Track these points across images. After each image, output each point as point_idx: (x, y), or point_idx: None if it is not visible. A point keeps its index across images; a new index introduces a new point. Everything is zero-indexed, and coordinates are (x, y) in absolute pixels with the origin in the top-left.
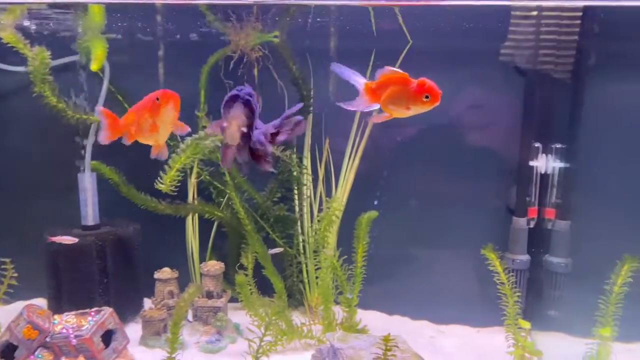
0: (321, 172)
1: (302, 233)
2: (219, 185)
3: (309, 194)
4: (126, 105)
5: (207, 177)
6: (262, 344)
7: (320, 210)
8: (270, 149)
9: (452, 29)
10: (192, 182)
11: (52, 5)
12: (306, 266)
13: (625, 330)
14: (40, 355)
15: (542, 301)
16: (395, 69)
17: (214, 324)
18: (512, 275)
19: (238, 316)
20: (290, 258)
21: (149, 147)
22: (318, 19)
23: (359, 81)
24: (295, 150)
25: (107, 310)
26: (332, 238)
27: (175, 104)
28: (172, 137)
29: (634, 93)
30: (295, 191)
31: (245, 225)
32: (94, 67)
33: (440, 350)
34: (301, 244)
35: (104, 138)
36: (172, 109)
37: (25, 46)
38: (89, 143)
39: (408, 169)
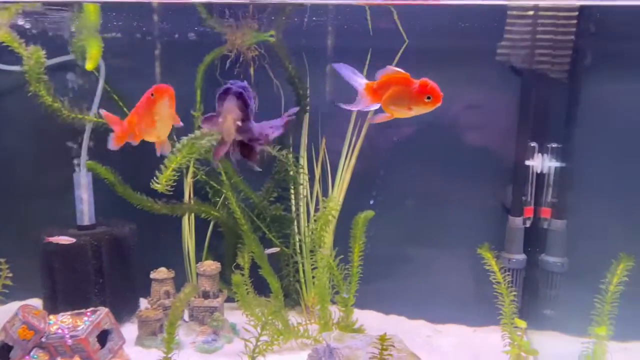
0: (317, 172)
1: (299, 233)
2: (215, 185)
3: (305, 194)
4: (121, 104)
5: (203, 176)
6: (259, 343)
7: (316, 210)
8: (263, 146)
9: (448, 28)
10: (188, 181)
11: (47, 4)
12: (303, 266)
13: (621, 329)
14: (35, 356)
15: (538, 300)
16: (397, 68)
17: (210, 323)
18: (508, 275)
19: (234, 316)
20: (287, 258)
21: (144, 146)
22: (314, 18)
23: (360, 81)
24: (291, 149)
25: (103, 311)
26: (328, 238)
27: (170, 97)
28: (168, 136)
29: (630, 92)
30: (292, 191)
31: (242, 225)
32: (89, 66)
33: (436, 349)
34: (298, 244)
35: (114, 144)
36: (168, 102)
37: (20, 45)
38: (84, 142)
39: (404, 168)
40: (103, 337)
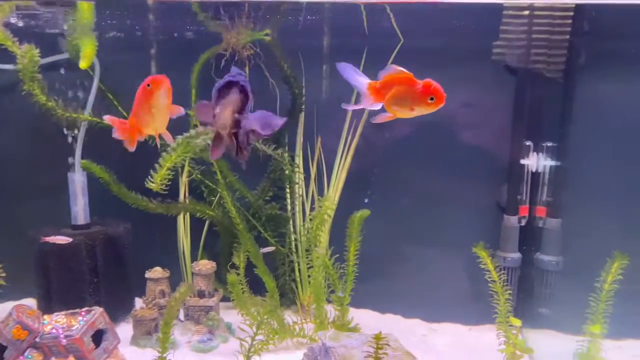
0: (313, 171)
1: (294, 232)
2: (210, 184)
3: (301, 193)
4: (116, 103)
5: (199, 175)
6: (254, 343)
7: (312, 209)
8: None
9: (443, 27)
10: (183, 180)
11: (41, 2)
12: (298, 265)
13: (615, 327)
14: (29, 356)
15: (533, 299)
16: (400, 68)
17: (206, 323)
18: (504, 273)
19: (230, 315)
20: (282, 257)
21: (139, 145)
22: (309, 17)
23: (363, 81)
24: (287, 148)
25: (98, 310)
26: (324, 237)
27: (166, 87)
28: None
29: (625, 91)
30: (287, 190)
31: (237, 224)
32: (83, 64)
33: (432, 348)
34: (293, 243)
35: (130, 146)
36: (164, 92)
37: (14, 44)
38: (79, 142)
39: (400, 167)
40: (98, 337)
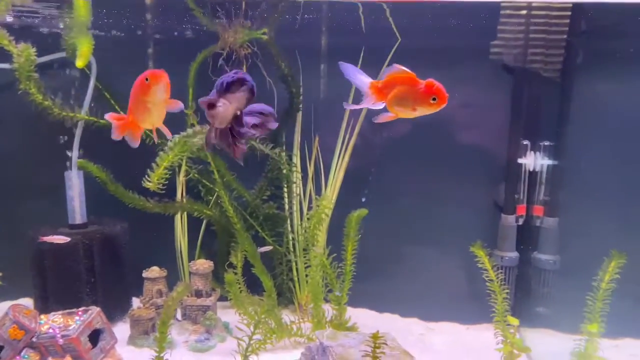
0: (311, 170)
1: (292, 231)
2: (207, 184)
3: (298, 192)
4: (113, 102)
5: (196, 175)
6: (252, 342)
7: (309, 208)
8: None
9: (441, 27)
10: (181, 180)
11: (37, 0)
12: (296, 264)
13: (612, 326)
14: (26, 356)
15: (531, 298)
16: (403, 68)
17: (203, 322)
18: (501, 272)
19: (227, 315)
20: (280, 256)
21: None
22: (307, 16)
23: (365, 80)
24: (284, 147)
25: (95, 310)
26: (321, 236)
27: (165, 81)
28: (160, 135)
29: (622, 91)
30: (285, 189)
31: (235, 224)
32: (79, 63)
33: (429, 347)
34: (291, 242)
35: (134, 141)
36: (163, 87)
37: (10, 43)
38: (75, 141)
39: (397, 167)
40: (95, 337)
